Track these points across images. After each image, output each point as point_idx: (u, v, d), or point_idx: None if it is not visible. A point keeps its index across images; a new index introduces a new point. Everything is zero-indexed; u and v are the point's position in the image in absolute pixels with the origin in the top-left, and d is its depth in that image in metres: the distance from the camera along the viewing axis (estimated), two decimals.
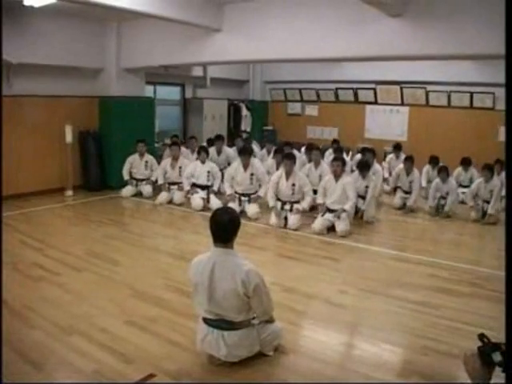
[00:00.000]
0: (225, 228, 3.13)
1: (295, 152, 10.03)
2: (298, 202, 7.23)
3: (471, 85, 10.22)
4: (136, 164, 9.19)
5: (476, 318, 4.09)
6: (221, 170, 8.73)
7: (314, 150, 8.45)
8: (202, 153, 8.32)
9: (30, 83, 8.39)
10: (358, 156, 9.42)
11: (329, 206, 6.97)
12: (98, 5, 6.12)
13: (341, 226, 6.71)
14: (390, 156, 10.21)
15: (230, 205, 7.08)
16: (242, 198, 7.68)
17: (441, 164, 8.65)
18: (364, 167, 7.67)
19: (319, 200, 7.14)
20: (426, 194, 8.59)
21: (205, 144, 9.74)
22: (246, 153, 7.76)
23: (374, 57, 6.94)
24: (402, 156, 9.32)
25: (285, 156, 7.56)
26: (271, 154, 9.58)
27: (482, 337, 2.03)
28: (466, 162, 8.87)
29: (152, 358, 3.35)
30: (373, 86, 11.59)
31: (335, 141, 10.41)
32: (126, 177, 9.16)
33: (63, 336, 3.65)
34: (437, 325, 3.99)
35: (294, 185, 7.20)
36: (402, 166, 8.81)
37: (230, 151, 9.80)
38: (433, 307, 4.35)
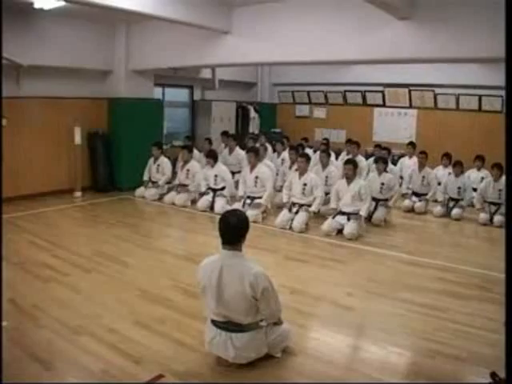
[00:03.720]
0: (233, 230, 3.14)
1: (309, 150, 10.06)
2: (308, 205, 7.18)
3: (480, 88, 10.18)
4: (150, 167, 9.22)
5: (484, 322, 4.08)
6: (234, 173, 8.85)
7: (321, 152, 8.47)
8: (209, 158, 8.31)
9: (39, 85, 8.45)
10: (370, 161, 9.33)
11: (341, 208, 6.97)
12: (106, 7, 6.17)
13: (349, 228, 6.67)
14: (404, 158, 10.14)
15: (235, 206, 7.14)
16: (247, 201, 7.70)
17: None
18: (382, 162, 7.78)
19: (332, 205, 7.11)
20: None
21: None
22: (251, 151, 7.79)
23: (382, 59, 6.95)
24: (415, 158, 9.29)
25: (300, 155, 7.58)
26: (282, 154, 9.72)
27: (493, 376, 2.03)
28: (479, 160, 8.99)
29: (160, 359, 3.36)
30: (381, 88, 11.58)
31: (350, 141, 9.91)
32: (144, 177, 9.22)
33: (72, 336, 3.67)
34: (444, 328, 3.98)
35: (305, 184, 7.18)
36: (412, 166, 8.82)
37: (242, 153, 9.61)
38: (440, 310, 4.34)
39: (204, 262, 3.31)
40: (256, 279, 3.08)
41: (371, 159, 9.16)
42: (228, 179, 8.26)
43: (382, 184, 7.64)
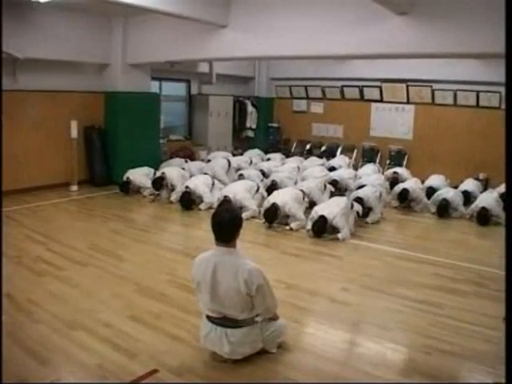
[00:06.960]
0: (225, 227, 3.14)
1: None
2: None
3: (478, 84, 10.13)
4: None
5: (480, 318, 4.08)
6: None
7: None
8: None
9: (36, 78, 8.40)
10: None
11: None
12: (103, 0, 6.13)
13: (340, 234, 6.46)
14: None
15: None
16: None
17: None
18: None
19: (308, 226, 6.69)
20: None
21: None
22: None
23: (380, 54, 6.92)
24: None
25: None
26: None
27: None
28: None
29: (155, 353, 3.36)
30: (378, 83, 11.52)
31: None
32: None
33: (67, 330, 3.67)
34: (440, 324, 3.98)
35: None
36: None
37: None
38: (436, 306, 4.35)
39: (198, 258, 3.30)
40: (250, 276, 3.06)
41: None
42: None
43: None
